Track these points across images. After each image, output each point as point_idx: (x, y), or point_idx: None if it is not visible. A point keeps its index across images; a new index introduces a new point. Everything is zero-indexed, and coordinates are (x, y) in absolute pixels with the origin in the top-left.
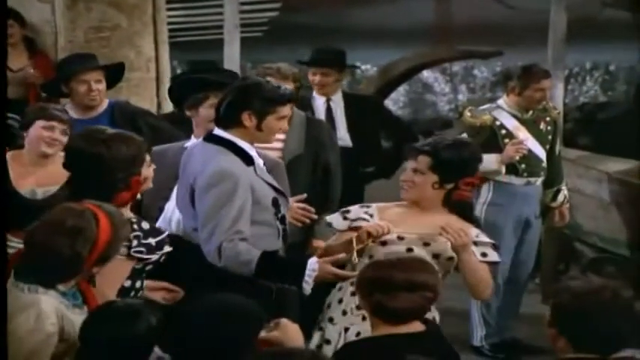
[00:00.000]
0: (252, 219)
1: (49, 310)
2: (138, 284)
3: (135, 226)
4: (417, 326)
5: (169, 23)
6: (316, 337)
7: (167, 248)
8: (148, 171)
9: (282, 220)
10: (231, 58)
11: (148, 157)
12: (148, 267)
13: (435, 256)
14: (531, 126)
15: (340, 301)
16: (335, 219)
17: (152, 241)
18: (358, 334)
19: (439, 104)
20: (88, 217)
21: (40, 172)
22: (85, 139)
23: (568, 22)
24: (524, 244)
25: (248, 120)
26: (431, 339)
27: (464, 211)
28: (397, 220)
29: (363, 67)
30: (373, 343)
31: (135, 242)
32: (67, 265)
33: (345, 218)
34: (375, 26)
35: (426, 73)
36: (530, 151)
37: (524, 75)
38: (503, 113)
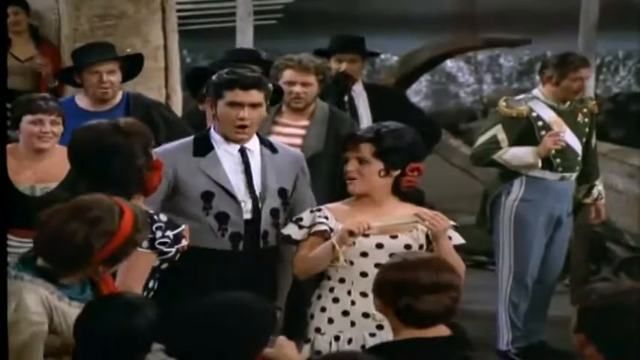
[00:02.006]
0: (176, 208)
1: (31, 300)
2: (151, 284)
3: (155, 217)
4: (443, 330)
5: (179, 10)
6: (306, 350)
7: (184, 242)
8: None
9: (220, 217)
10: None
11: None
12: (164, 265)
13: (407, 246)
14: (568, 117)
15: (323, 309)
16: (291, 230)
17: (170, 234)
18: (350, 340)
19: (463, 95)
20: (113, 211)
21: (38, 167)
22: (94, 133)
23: (600, 7)
24: (555, 243)
25: (209, 109)
26: (458, 344)
27: (416, 197)
28: (352, 217)
29: (382, 56)
30: (398, 349)
31: (159, 233)
32: (76, 254)
33: (300, 227)
34: (395, 13)
35: (449, 63)
36: (567, 144)
37: (561, 64)
38: (540, 104)
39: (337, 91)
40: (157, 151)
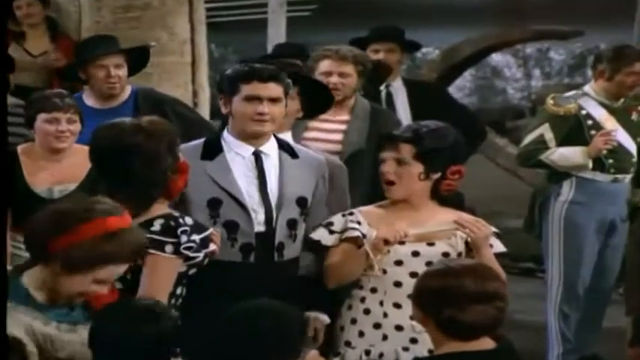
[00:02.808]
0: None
1: (14, 330)
2: (179, 291)
3: (180, 220)
4: (487, 343)
5: (207, 1)
6: None
7: (212, 246)
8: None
9: (229, 226)
10: (276, 40)
11: None
12: (192, 271)
13: (444, 254)
14: (622, 116)
15: (354, 321)
16: (322, 235)
17: (197, 237)
18: (381, 355)
19: (510, 91)
20: (90, 210)
21: (55, 168)
22: (116, 132)
23: None
24: (609, 249)
25: (223, 107)
26: (504, 357)
27: (455, 201)
28: (387, 223)
29: (423, 49)
30: None
31: (184, 238)
32: (34, 240)
33: (331, 232)
34: (437, 3)
35: (495, 57)
36: (619, 143)
37: (615, 57)
38: (591, 101)
39: (374, 81)
40: None
